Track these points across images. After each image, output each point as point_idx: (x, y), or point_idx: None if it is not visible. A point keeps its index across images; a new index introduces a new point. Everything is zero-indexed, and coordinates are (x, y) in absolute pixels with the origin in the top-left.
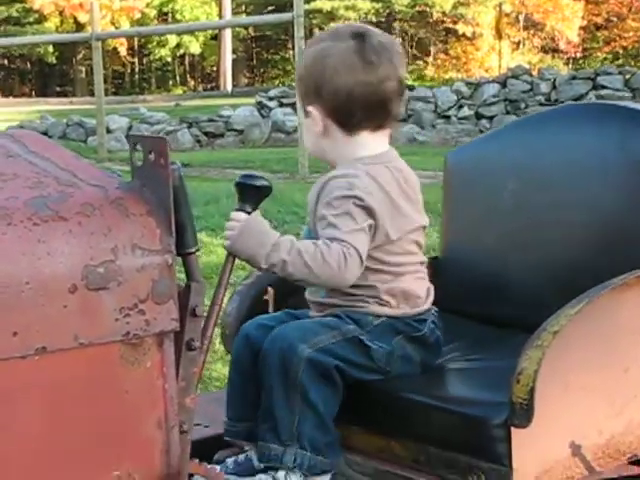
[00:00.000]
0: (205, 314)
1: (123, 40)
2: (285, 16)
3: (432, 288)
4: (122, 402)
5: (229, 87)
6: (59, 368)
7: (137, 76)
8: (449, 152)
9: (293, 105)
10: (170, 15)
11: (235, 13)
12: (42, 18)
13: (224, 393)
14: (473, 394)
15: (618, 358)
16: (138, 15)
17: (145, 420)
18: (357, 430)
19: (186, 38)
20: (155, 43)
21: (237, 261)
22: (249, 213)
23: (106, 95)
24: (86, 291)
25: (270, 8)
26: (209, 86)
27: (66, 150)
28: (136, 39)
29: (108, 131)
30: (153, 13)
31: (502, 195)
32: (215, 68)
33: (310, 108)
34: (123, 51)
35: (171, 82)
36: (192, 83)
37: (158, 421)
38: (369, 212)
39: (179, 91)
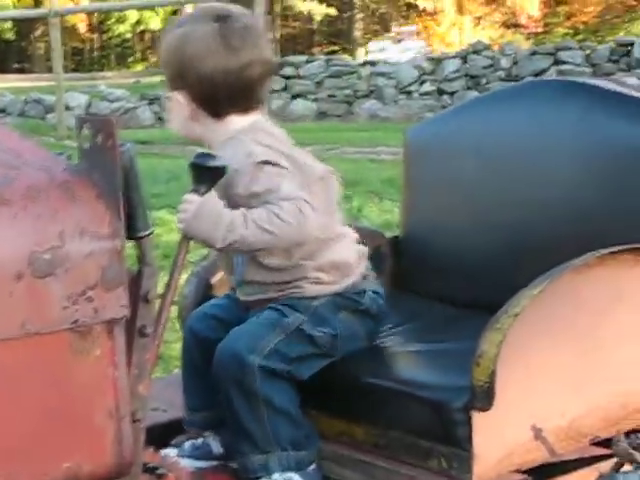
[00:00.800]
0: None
1: (83, 16)
2: None
3: (365, 251)
4: (71, 392)
5: None
6: (5, 357)
7: (96, 53)
8: (408, 128)
9: None
10: None
11: None
12: None
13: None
14: (434, 377)
15: (580, 340)
16: None
17: (95, 410)
18: (316, 414)
19: (146, 14)
20: (115, 19)
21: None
22: (203, 194)
23: (65, 72)
24: (32, 278)
25: None
26: None
27: (11, 130)
28: (96, 15)
29: (67, 108)
30: None
31: (463, 173)
32: None
33: (176, 93)
34: (83, 27)
35: (131, 59)
36: (153, 59)
37: (109, 411)
38: (280, 166)
39: (140, 67)
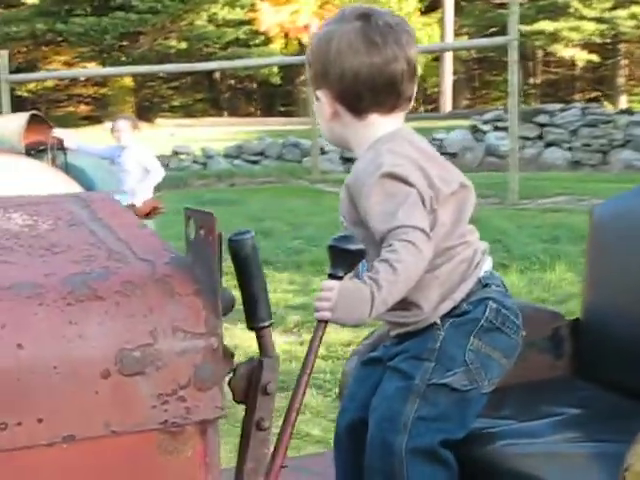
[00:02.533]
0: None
1: None
2: (499, 40)
3: (486, 249)
4: None
5: (448, 109)
6: (89, 457)
7: None
8: (596, 205)
9: (507, 129)
10: None
11: (457, 35)
12: (268, 40)
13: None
14: None
15: None
16: None
17: None
18: None
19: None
20: None
21: None
22: (341, 278)
23: None
24: (120, 376)
25: (492, 30)
26: (430, 107)
27: (134, 218)
28: None
29: (323, 152)
30: None
31: None
32: (436, 90)
33: (319, 93)
34: None
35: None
36: (414, 105)
37: None
38: (405, 182)
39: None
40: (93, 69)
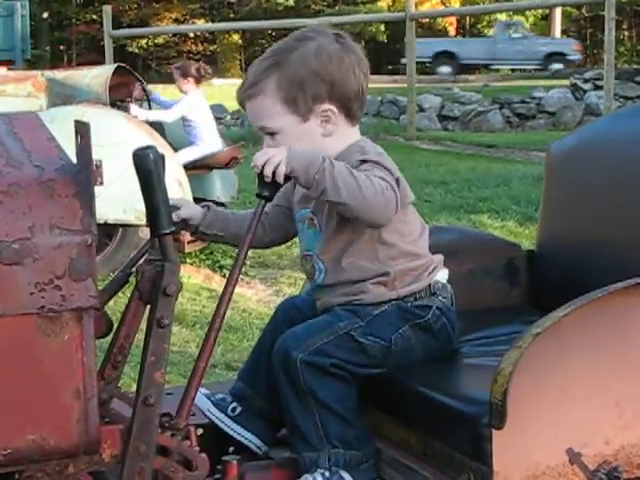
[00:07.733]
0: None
1: (453, 20)
2: None
3: (440, 262)
4: (38, 371)
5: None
6: None
7: None
8: (553, 142)
9: None
10: None
11: None
12: None
13: None
14: (476, 392)
15: (628, 368)
16: None
17: (61, 389)
18: (380, 417)
19: (516, 18)
20: (485, 23)
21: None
22: (267, 198)
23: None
24: (0, 265)
25: None
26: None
27: (48, 133)
28: (468, 18)
29: (421, 110)
30: None
31: (592, 187)
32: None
33: (325, 106)
34: (452, 31)
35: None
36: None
37: (76, 391)
38: (388, 170)
39: (506, 71)
40: (189, 26)
